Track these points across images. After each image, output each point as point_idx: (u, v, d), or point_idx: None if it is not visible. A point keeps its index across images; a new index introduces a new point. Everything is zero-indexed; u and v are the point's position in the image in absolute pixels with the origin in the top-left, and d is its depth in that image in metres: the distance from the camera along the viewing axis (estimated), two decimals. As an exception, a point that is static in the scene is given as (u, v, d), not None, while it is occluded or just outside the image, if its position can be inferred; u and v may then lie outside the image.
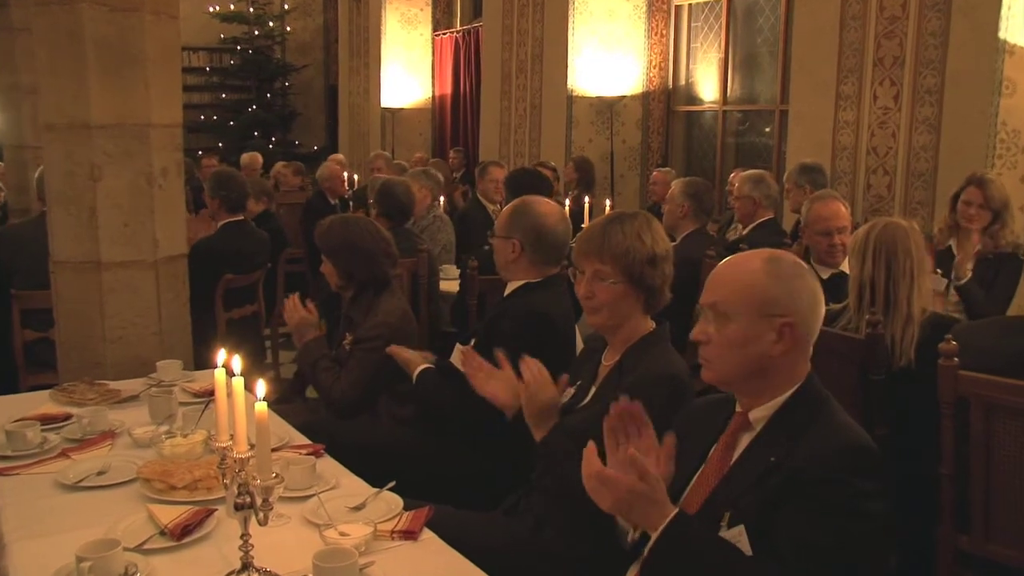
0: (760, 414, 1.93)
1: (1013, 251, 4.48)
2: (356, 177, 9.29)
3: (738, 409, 1.98)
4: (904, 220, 3.34)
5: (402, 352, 3.35)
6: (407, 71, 13.48)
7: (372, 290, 3.70)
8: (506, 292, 3.28)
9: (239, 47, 15.75)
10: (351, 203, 7.81)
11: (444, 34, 13.23)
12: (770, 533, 1.75)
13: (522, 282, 3.21)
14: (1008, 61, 5.65)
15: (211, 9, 15.42)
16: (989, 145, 5.70)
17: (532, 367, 2.43)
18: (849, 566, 1.71)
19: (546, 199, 3.35)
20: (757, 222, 5.52)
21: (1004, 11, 5.59)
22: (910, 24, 6.17)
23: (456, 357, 3.37)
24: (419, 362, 3.30)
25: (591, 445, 1.84)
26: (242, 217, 5.35)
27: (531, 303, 3.11)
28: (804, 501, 1.72)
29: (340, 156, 10.11)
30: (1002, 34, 5.60)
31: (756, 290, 1.90)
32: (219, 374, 2.00)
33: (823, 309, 1.96)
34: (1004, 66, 5.64)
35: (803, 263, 1.98)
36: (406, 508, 2.32)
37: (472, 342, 3.25)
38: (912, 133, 6.20)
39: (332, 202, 7.96)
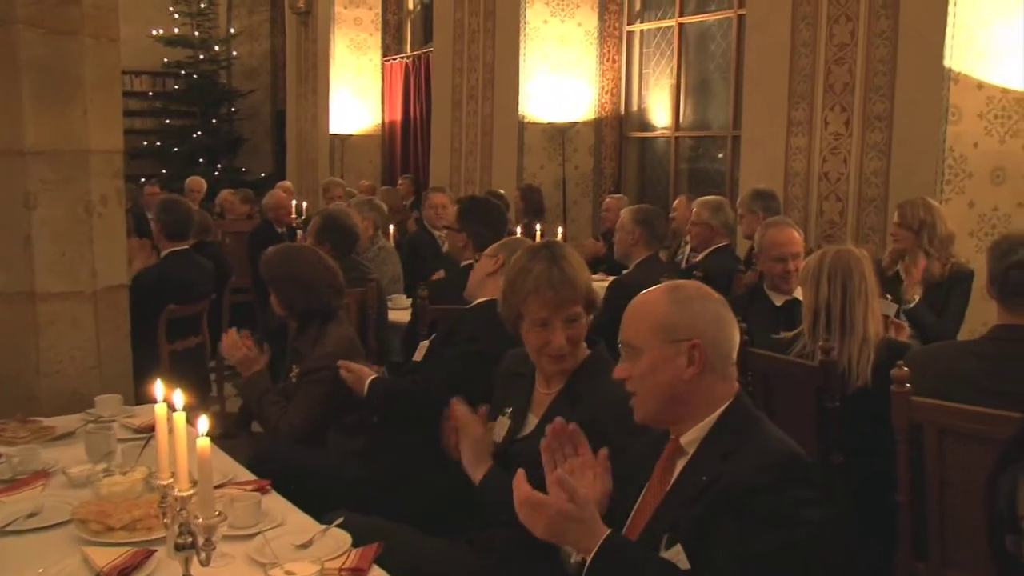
0: (691, 437, 1.96)
1: (959, 271, 4.55)
2: (304, 205, 9.23)
3: (671, 436, 2.01)
4: (855, 248, 3.41)
5: (351, 365, 3.38)
6: (356, 97, 13.46)
7: (318, 321, 3.67)
8: (471, 304, 3.38)
9: (183, 71, 15.58)
10: (298, 232, 7.75)
11: (394, 60, 13.25)
12: (708, 550, 1.77)
13: (489, 298, 3.27)
14: (953, 88, 5.78)
15: (154, 32, 15.24)
16: (938, 171, 5.82)
17: (458, 408, 2.45)
18: (788, 574, 1.72)
19: (524, 236, 3.58)
20: (712, 248, 5.58)
21: (948, 39, 5.72)
22: (859, 51, 6.30)
23: (418, 354, 3.49)
24: (370, 373, 3.34)
25: (520, 472, 1.85)
26: (187, 246, 5.28)
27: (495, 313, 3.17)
28: (738, 513, 1.74)
29: (287, 184, 10.04)
30: (947, 62, 5.74)
31: (658, 319, 1.96)
32: (160, 409, 1.96)
33: (734, 329, 2.00)
34: (950, 93, 5.78)
35: (706, 288, 2.02)
36: (355, 545, 2.29)
37: (431, 339, 3.34)
38: (863, 159, 6.32)
39: (279, 231, 7.89)
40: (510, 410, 2.62)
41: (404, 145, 13.06)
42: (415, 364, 3.52)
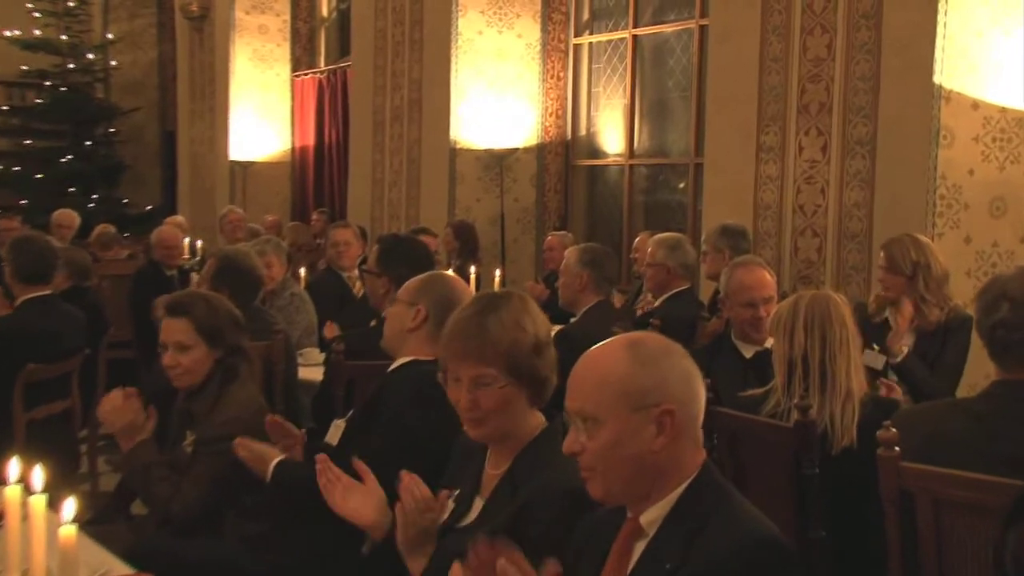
0: (652, 516, 1.95)
1: (955, 316, 4.59)
2: (199, 244, 9.13)
3: (629, 515, 1.99)
4: (834, 292, 3.44)
5: (252, 445, 3.29)
6: (261, 117, 13.41)
7: (217, 380, 3.60)
8: (391, 368, 3.32)
9: (48, 82, 15.07)
10: (192, 275, 7.64)
11: (305, 75, 13.24)
12: None
13: (412, 358, 3.25)
14: (945, 108, 5.90)
15: (8, 33, 14.65)
16: (928, 202, 5.92)
17: (413, 488, 2.40)
18: None
19: (456, 276, 3.52)
20: (670, 293, 5.60)
21: (938, 52, 5.85)
22: (836, 66, 6.41)
23: (334, 435, 3.42)
24: (274, 455, 3.26)
25: (455, 566, 1.81)
26: (49, 291, 5.16)
27: (423, 376, 3.13)
28: None
29: (179, 218, 9.93)
30: (937, 78, 5.86)
31: (622, 383, 1.94)
32: (12, 491, 1.90)
33: (701, 386, 2.00)
34: (941, 113, 5.89)
35: (669, 341, 2.01)
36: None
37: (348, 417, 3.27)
38: (843, 189, 6.41)
39: (168, 274, 7.77)
40: (457, 492, 2.60)
41: (317, 174, 13.01)
42: (330, 449, 3.43)
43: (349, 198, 11.37)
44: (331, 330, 5.65)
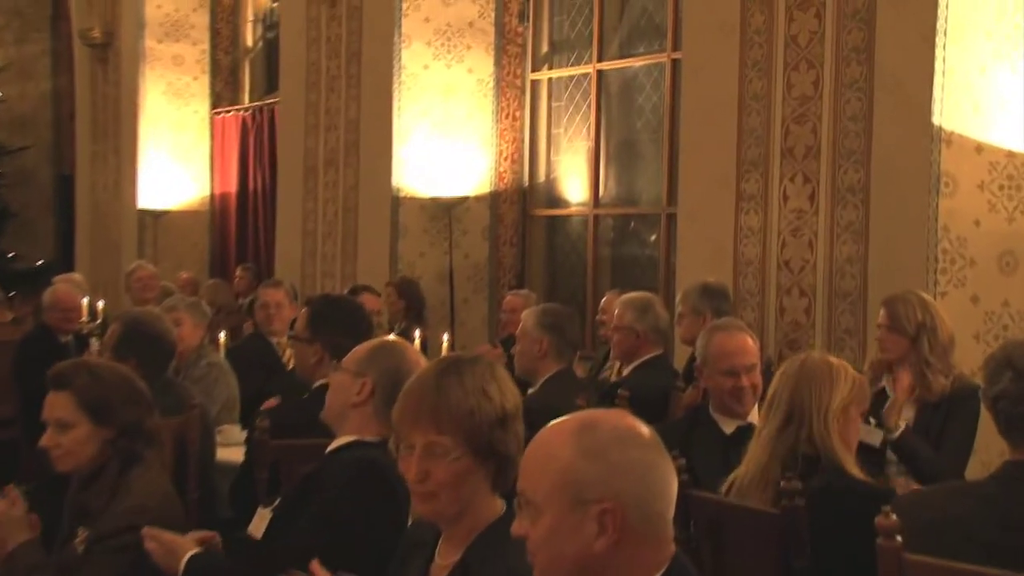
0: None
1: (962, 386, 4.61)
2: (100, 305, 9.02)
3: None
4: (835, 358, 3.46)
5: (162, 535, 3.24)
6: (175, 160, 13.36)
7: (116, 465, 3.54)
8: (329, 448, 3.30)
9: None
10: (92, 341, 7.54)
11: (227, 112, 13.23)
12: None
13: (353, 438, 3.25)
14: (945, 152, 5.96)
15: None
16: (929, 257, 5.96)
17: None
18: None
19: (409, 344, 3.54)
20: (640, 360, 5.61)
21: (937, 91, 5.92)
22: (824, 105, 6.48)
23: (258, 526, 3.40)
24: (188, 547, 3.21)
25: None
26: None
27: (365, 462, 3.14)
28: None
29: (76, 276, 9.81)
30: (936, 118, 5.93)
31: (561, 472, 1.95)
32: None
33: (669, 480, 2.00)
34: (941, 158, 5.95)
35: (628, 426, 2.01)
36: None
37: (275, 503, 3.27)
38: (834, 242, 6.45)
39: (62, 340, 7.67)
40: None
41: (240, 225, 12.96)
42: (252, 543, 3.40)
43: (277, 252, 11.32)
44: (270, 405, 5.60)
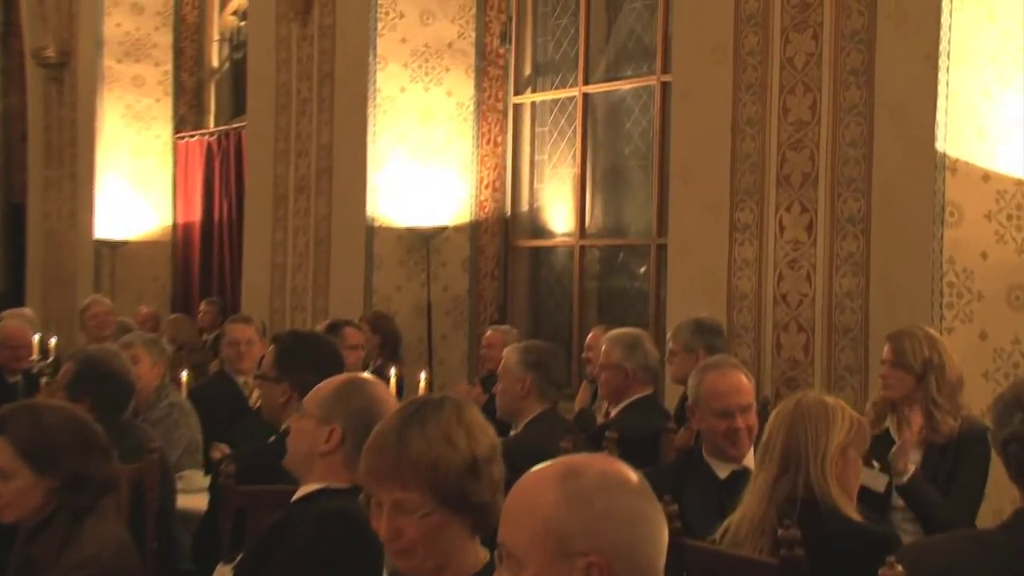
0: None
1: (971, 427, 4.60)
2: (53, 342, 8.99)
3: None
4: (831, 397, 3.46)
5: None
6: (135, 187, 13.35)
7: (67, 515, 3.50)
8: (295, 496, 3.28)
9: None
10: (42, 380, 7.50)
11: (191, 137, 13.23)
12: None
13: (321, 486, 3.22)
14: (950, 180, 5.97)
15: None
16: (934, 290, 5.96)
17: None
18: None
19: (378, 380, 3.46)
20: (629, 400, 5.60)
21: (940, 115, 5.94)
22: (823, 131, 6.50)
23: None
24: None
25: None
26: None
27: (334, 513, 3.13)
28: None
29: (26, 310, 9.79)
30: (940, 145, 5.95)
31: (546, 522, 1.94)
32: None
33: (660, 529, 1.99)
34: (946, 186, 5.96)
35: (617, 472, 2.00)
36: None
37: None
38: (833, 275, 6.46)
39: (10, 380, 7.65)
40: None
41: (205, 256, 12.94)
42: None
43: (244, 286, 11.29)
44: (219, 453, 5.57)
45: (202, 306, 11.63)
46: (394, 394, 6.53)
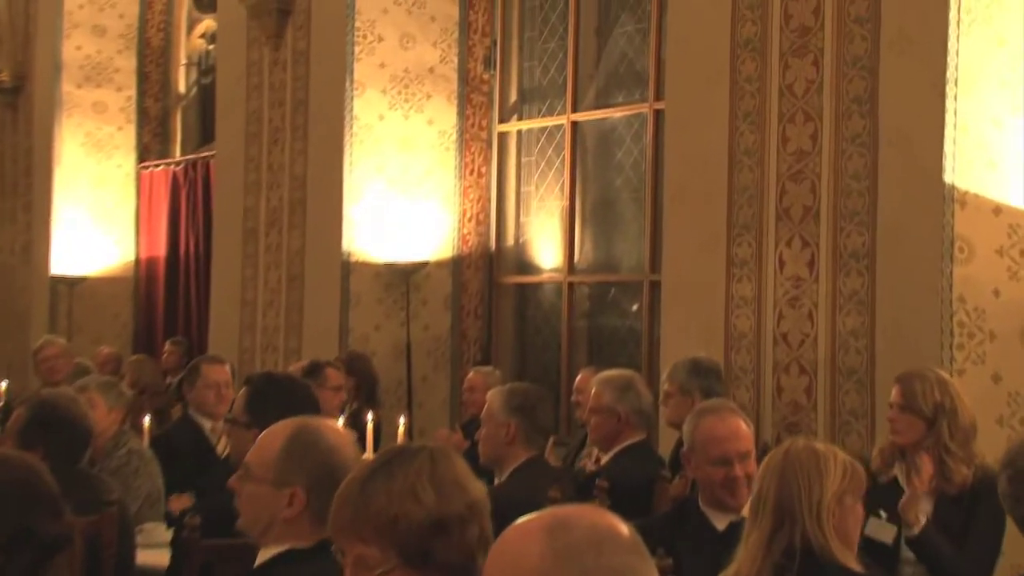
0: None
1: (986, 477, 4.58)
2: (3, 385, 8.95)
3: None
4: (821, 444, 3.45)
5: None
6: (96, 220, 13.32)
7: (16, 572, 3.47)
8: (258, 562, 3.22)
9: None
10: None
11: (156, 167, 13.22)
12: None
13: (284, 548, 3.17)
14: (959, 213, 5.99)
15: None
16: (944, 330, 5.97)
17: None
18: None
19: (329, 422, 3.41)
20: (621, 446, 5.58)
21: (948, 145, 5.97)
22: (824, 162, 6.53)
23: None
24: None
25: None
26: None
27: (299, 571, 3.09)
28: None
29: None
30: (948, 176, 5.98)
31: None
32: None
33: None
34: (955, 220, 5.98)
35: (607, 526, 1.98)
36: None
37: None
38: (836, 313, 6.47)
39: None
40: None
41: (170, 294, 12.91)
42: None
43: (211, 325, 11.27)
44: (179, 504, 5.54)
45: (166, 346, 11.60)
46: (368, 440, 6.55)
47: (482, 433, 5.22)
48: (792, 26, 6.68)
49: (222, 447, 6.36)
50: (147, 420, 6.89)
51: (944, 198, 5.98)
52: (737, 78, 6.92)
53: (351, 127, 9.62)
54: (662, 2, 8.26)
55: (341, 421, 6.61)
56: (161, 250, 13.04)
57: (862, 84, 6.34)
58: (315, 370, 7.09)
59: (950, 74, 5.95)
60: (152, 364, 10.45)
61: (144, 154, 13.45)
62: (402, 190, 9.73)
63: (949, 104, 5.96)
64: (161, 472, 6.05)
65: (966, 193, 6.00)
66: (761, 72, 6.80)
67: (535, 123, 9.78)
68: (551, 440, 6.43)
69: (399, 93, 9.73)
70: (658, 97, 8.41)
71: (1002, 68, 6.06)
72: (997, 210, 6.05)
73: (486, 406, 5.26)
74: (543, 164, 9.67)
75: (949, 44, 5.96)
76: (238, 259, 10.81)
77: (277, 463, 3.19)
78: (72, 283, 13.17)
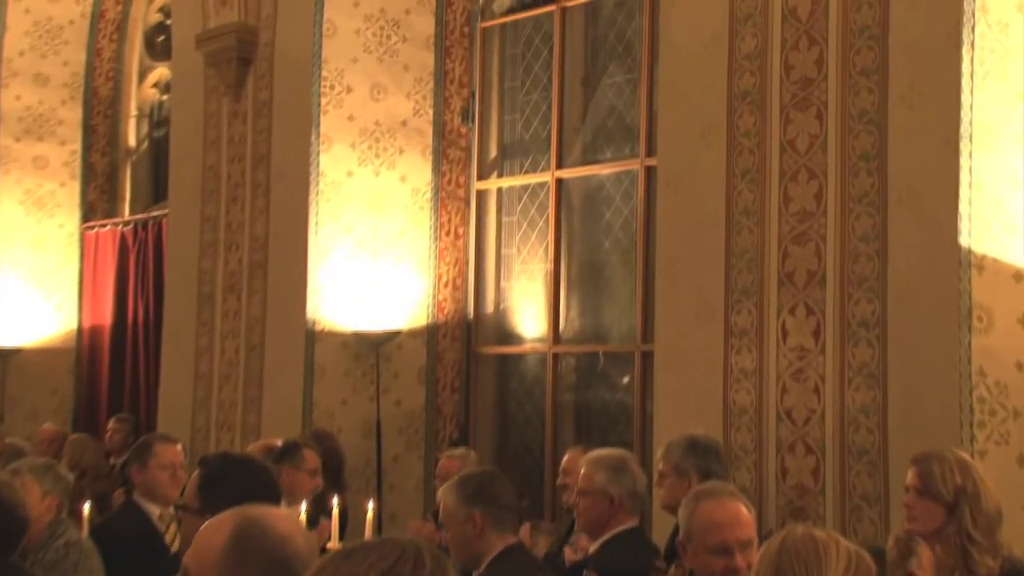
0: None
1: (1013, 569, 4.58)
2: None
3: None
4: (821, 531, 3.46)
5: None
6: (35, 285, 13.27)
7: None
8: None
9: None
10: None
11: (102, 227, 13.18)
12: None
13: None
14: (977, 279, 6.03)
15: None
16: (963, 406, 5.98)
17: None
18: None
19: (278, 510, 3.32)
20: (612, 533, 5.57)
21: (963, 206, 6.03)
22: (830, 222, 6.57)
23: None
24: None
25: None
26: None
27: None
28: None
29: None
30: (964, 239, 6.03)
31: None
32: None
33: None
34: (972, 287, 6.02)
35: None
36: None
37: None
38: (845, 388, 6.48)
39: None
40: None
41: (116, 366, 12.84)
42: None
43: (161, 400, 11.21)
44: None
45: (110, 424, 11.46)
46: (333, 528, 6.52)
47: (447, 536, 5.13)
48: (793, 77, 6.75)
49: (171, 537, 6.33)
50: (87, 507, 6.85)
51: (960, 262, 6.02)
52: (735, 133, 6.99)
53: (317, 184, 9.62)
54: (653, 51, 8.35)
55: (303, 505, 6.58)
56: (106, 318, 12.97)
57: (870, 140, 6.40)
58: (291, 451, 7.07)
59: (964, 129, 6.01)
60: (94, 444, 10.37)
61: (89, 213, 13.40)
62: (372, 252, 9.74)
63: (963, 161, 6.02)
64: (103, 566, 5.99)
65: (983, 257, 6.04)
66: (760, 127, 6.86)
67: (517, 180, 9.84)
68: (526, 526, 6.45)
69: (369, 148, 9.77)
70: (649, 153, 8.49)
71: (1019, 123, 6.12)
72: (1018, 275, 6.09)
73: (441, 507, 5.19)
74: (525, 224, 9.70)
75: (963, 98, 6.02)
76: (192, 327, 10.77)
77: (224, 568, 3.03)
78: (7, 354, 13.08)
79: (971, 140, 6.02)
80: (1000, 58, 6.09)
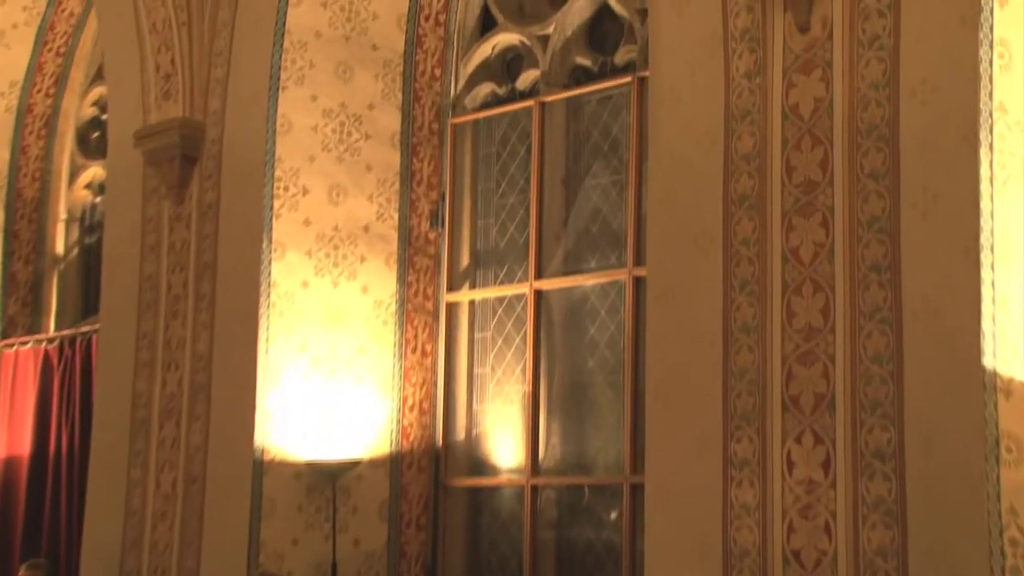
0: None
1: None
2: None
3: None
4: None
5: None
6: (-55, 411, 13.25)
7: None
8: None
9: None
10: None
11: (23, 344, 13.14)
12: None
13: None
14: (1003, 405, 6.07)
15: None
16: (993, 550, 5.99)
17: None
18: None
19: None
20: None
21: (986, 323, 6.08)
22: (839, 340, 6.63)
23: None
24: None
25: None
26: None
27: None
28: None
29: None
30: (988, 360, 6.07)
31: None
32: None
33: None
34: (999, 414, 6.05)
35: None
36: None
37: None
38: (859, 526, 6.49)
39: None
40: None
41: (33, 502, 12.71)
42: None
43: (85, 542, 11.06)
44: None
45: (22, 571, 11.38)
46: None
47: None
48: (796, 180, 6.85)
49: None
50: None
51: (984, 386, 6.06)
52: (732, 240, 7.08)
53: (268, 296, 9.65)
54: (641, 149, 8.48)
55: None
56: (24, 447, 12.85)
57: (881, 249, 6.49)
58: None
59: (984, 239, 6.09)
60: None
61: (9, 329, 13.40)
62: (329, 372, 9.76)
63: (985, 274, 6.09)
64: None
65: (1011, 381, 6.09)
66: (760, 234, 6.95)
67: (491, 292, 9.92)
68: None
69: (327, 255, 9.82)
70: (638, 262, 8.60)
71: (1045, 229, 6.21)
72: (1050, 401, 6.14)
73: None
74: (501, 341, 9.77)
75: (982, 204, 6.11)
76: (123, 458, 10.68)
77: None
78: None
79: (992, 250, 6.10)
80: (1021, 161, 6.20)
